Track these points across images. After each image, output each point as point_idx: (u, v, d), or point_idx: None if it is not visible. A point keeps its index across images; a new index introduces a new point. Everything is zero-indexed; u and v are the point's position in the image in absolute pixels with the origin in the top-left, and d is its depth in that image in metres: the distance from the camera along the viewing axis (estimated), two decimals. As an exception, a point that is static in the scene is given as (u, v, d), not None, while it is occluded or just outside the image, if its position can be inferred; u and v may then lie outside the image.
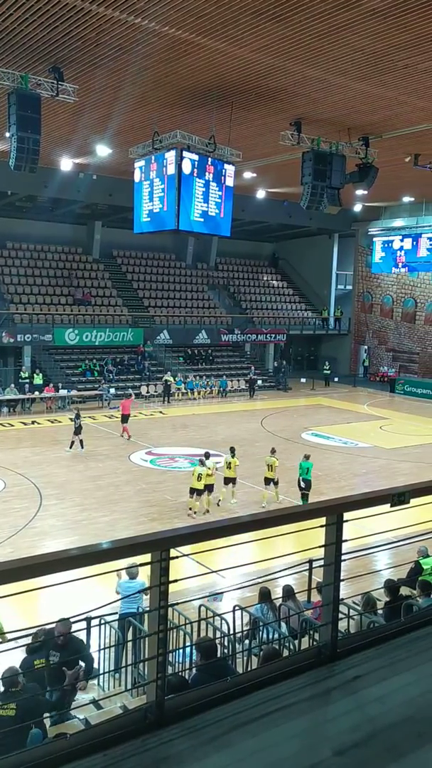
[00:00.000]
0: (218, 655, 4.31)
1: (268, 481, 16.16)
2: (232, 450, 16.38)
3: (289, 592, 7.91)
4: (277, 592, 8.16)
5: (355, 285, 41.68)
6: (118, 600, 8.15)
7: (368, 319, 40.64)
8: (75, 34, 12.13)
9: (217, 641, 6.61)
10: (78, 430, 20.29)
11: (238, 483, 16.23)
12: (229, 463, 16.02)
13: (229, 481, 15.96)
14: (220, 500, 15.84)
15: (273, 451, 16.42)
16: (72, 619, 6.30)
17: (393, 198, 33.95)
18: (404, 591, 7.51)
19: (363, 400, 33.62)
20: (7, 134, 14.13)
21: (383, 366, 39.58)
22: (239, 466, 16.18)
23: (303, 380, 37.44)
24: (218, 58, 13.23)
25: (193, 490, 15.08)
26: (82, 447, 20.29)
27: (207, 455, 15.98)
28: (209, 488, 15.30)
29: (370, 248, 39.57)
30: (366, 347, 41.04)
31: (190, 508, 15.11)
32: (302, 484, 15.80)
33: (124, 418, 23.00)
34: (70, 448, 20.38)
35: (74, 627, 7.08)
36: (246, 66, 13.65)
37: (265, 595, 7.74)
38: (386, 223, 38.35)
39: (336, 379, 38.38)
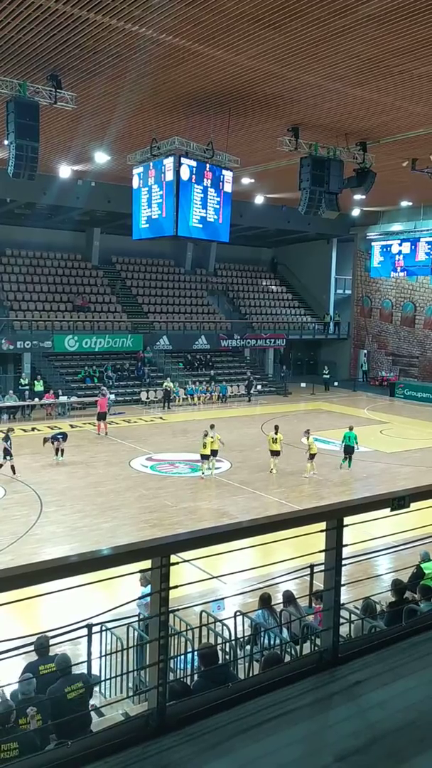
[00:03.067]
0: (219, 661, 4.29)
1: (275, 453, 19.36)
2: (212, 426, 19.64)
3: (289, 598, 7.90)
4: (278, 598, 8.14)
5: (354, 289, 41.72)
6: (123, 605, 8.07)
7: (367, 324, 40.67)
8: (73, 42, 12.19)
9: (219, 647, 6.61)
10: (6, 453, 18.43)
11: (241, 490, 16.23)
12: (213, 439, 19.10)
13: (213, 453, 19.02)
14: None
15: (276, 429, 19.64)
16: (74, 626, 6.26)
17: (391, 202, 34.02)
18: (406, 595, 7.49)
19: (363, 404, 33.62)
20: (6, 142, 14.17)
21: (382, 370, 39.60)
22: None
23: (303, 385, 37.45)
24: (216, 65, 13.29)
25: (203, 456, 18.65)
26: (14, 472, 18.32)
27: (212, 426, 19.62)
28: (214, 453, 18.85)
29: (368, 253, 39.66)
30: (365, 351, 41.05)
31: (202, 473, 18.77)
32: (346, 450, 19.80)
33: (101, 416, 24.29)
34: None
35: (76, 634, 7.05)
36: (243, 73, 13.70)
37: (265, 601, 7.72)
38: (384, 227, 38.44)
39: (336, 384, 38.39)
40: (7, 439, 18.50)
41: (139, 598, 7.94)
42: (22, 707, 5.21)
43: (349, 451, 19.78)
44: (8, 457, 18.31)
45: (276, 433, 19.30)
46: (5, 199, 28.93)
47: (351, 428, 20.32)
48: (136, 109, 16.23)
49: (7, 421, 26.62)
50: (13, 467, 18.23)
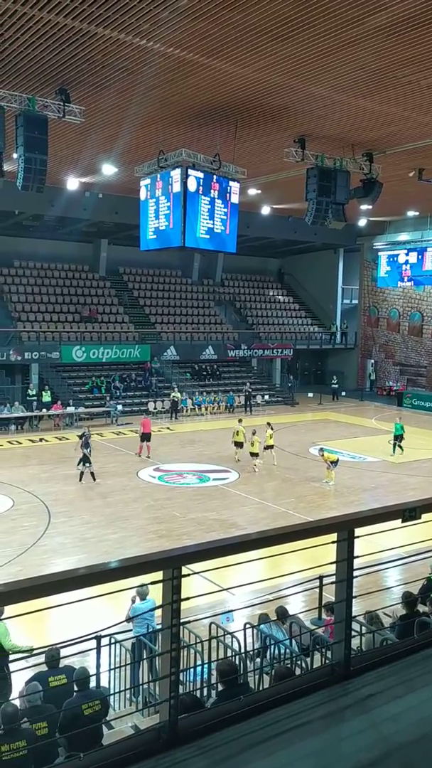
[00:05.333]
0: (240, 680, 4.21)
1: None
2: (240, 421, 22.65)
3: (283, 614, 7.78)
4: (287, 610, 8.09)
5: (360, 299, 41.72)
6: (128, 620, 8.08)
7: (375, 333, 40.63)
8: (82, 56, 12.31)
9: (228, 660, 6.57)
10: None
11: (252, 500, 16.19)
12: (237, 431, 21.86)
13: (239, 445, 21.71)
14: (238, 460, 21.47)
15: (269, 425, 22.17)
16: (83, 638, 6.27)
17: (398, 212, 34.07)
18: (417, 607, 7.43)
19: (370, 414, 33.52)
20: (15, 155, 14.29)
21: (390, 380, 39.51)
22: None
23: (310, 395, 37.39)
24: (223, 77, 13.38)
25: (235, 443, 21.78)
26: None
27: (240, 420, 22.92)
28: (239, 445, 21.65)
29: (375, 262, 39.68)
30: (373, 361, 40.99)
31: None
32: (394, 440, 23.12)
33: (145, 437, 22.42)
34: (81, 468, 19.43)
35: (84, 646, 7.04)
36: (250, 85, 13.79)
37: (277, 615, 7.64)
38: (391, 237, 38.47)
39: (343, 394, 38.31)
40: (86, 445, 18.88)
41: (136, 616, 7.91)
42: (27, 713, 5.21)
43: (397, 439, 23.04)
44: (87, 464, 18.76)
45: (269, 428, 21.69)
46: (13, 211, 29.15)
47: (400, 418, 24.54)
48: (144, 122, 16.34)
49: (14, 431, 26.70)
50: (93, 474, 18.81)
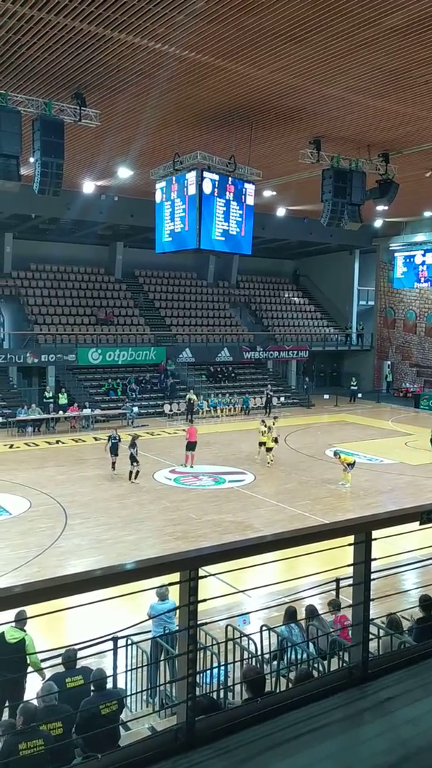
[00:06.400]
0: (266, 688, 4.17)
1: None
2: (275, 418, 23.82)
3: (312, 612, 7.82)
4: (302, 613, 8.06)
5: (377, 300, 41.51)
6: (147, 620, 8.11)
7: (391, 335, 40.40)
8: (97, 60, 12.38)
9: (245, 662, 6.56)
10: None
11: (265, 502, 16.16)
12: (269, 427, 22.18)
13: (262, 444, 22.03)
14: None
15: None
16: (98, 640, 6.29)
17: (414, 213, 33.87)
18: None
19: (387, 415, 33.34)
20: (32, 159, 14.40)
21: (407, 382, 39.26)
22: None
23: (326, 396, 37.26)
24: (238, 79, 13.40)
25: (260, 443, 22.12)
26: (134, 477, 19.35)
27: (262, 422, 22.83)
28: (268, 449, 21.73)
29: (391, 263, 39.44)
30: (389, 363, 40.75)
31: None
32: None
33: (190, 446, 21.58)
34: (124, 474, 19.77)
35: (101, 648, 7.06)
36: (265, 87, 13.80)
37: (291, 615, 7.65)
38: (407, 238, 38.23)
39: (360, 395, 38.13)
40: (133, 445, 19.26)
41: (156, 616, 7.93)
42: (42, 713, 5.24)
43: None
44: (135, 464, 19.16)
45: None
46: (30, 215, 29.36)
47: None
48: (159, 125, 16.40)
49: (31, 433, 26.87)
50: (137, 473, 19.18)
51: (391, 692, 3.13)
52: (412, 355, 39.28)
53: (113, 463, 19.97)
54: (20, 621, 6.70)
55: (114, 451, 19.96)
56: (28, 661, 6.89)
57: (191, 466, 21.29)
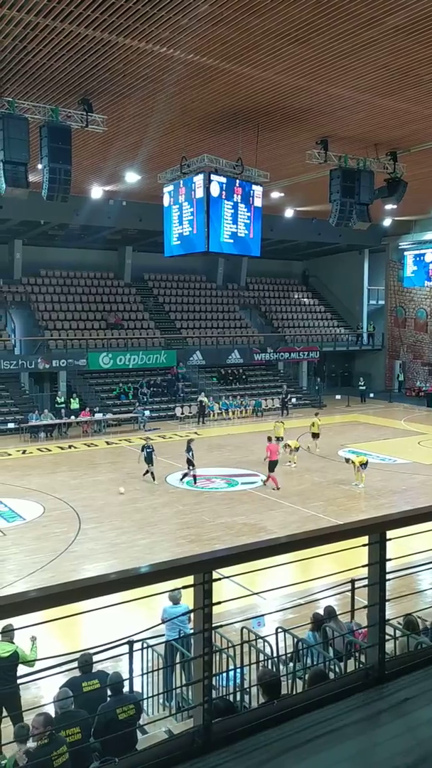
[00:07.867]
0: (281, 690, 4.14)
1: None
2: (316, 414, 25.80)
3: (330, 614, 7.79)
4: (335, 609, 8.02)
5: (387, 300, 41.38)
6: (161, 624, 8.10)
7: (402, 334, 40.24)
8: (103, 66, 12.43)
9: (261, 664, 6.54)
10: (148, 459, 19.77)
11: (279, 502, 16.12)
12: (313, 423, 24.36)
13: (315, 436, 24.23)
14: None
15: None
16: (114, 643, 6.29)
17: (423, 211, 33.70)
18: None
19: (399, 415, 33.19)
20: (39, 166, 14.47)
21: (419, 381, 39.07)
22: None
23: (338, 397, 37.15)
24: (243, 82, 13.40)
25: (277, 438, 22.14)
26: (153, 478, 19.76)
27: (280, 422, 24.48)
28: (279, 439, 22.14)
29: (401, 262, 39.31)
30: (401, 362, 40.59)
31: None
32: None
33: (272, 466, 19.17)
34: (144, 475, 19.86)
35: (116, 651, 7.06)
36: (271, 88, 13.79)
37: (319, 621, 7.59)
38: (417, 236, 38.08)
39: (371, 395, 37.99)
40: (188, 449, 19.76)
41: (170, 620, 7.92)
42: (59, 719, 5.24)
43: None
44: (191, 467, 19.66)
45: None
46: (39, 221, 29.51)
47: None
48: (166, 129, 16.43)
49: (44, 439, 26.98)
50: (187, 475, 19.68)
51: (408, 693, 3.11)
52: (423, 354, 39.10)
53: (152, 473, 19.67)
54: (7, 633, 6.76)
55: (149, 460, 19.77)
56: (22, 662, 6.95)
57: (278, 488, 18.66)
